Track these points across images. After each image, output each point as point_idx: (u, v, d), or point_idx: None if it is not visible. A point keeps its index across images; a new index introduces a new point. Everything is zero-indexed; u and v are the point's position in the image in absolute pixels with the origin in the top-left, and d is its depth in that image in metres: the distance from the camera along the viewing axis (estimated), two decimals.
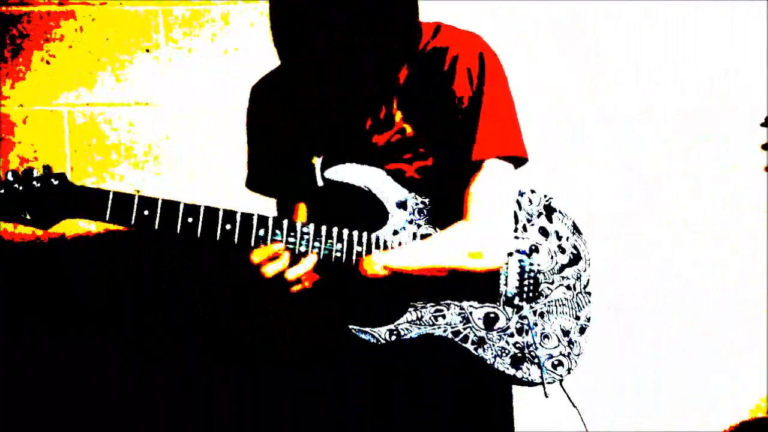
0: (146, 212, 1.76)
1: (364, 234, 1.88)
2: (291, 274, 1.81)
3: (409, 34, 1.85)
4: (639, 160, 2.86)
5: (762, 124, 2.47)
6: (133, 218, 1.75)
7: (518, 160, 1.94)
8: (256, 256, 1.81)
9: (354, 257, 1.87)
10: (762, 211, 2.87)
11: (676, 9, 2.81)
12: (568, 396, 2.03)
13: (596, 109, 2.82)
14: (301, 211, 2.07)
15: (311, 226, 1.85)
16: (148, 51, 2.67)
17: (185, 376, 2.63)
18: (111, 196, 1.74)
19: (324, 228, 1.85)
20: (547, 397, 1.94)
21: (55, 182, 1.72)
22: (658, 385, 2.89)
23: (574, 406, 2.04)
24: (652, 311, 2.89)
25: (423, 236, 1.92)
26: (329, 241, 1.85)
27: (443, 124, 1.89)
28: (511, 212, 1.95)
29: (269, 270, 1.81)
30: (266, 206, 2.09)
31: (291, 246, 1.83)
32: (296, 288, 1.84)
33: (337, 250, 1.86)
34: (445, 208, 1.93)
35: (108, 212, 1.73)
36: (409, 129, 1.91)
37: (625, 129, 2.85)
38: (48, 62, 2.64)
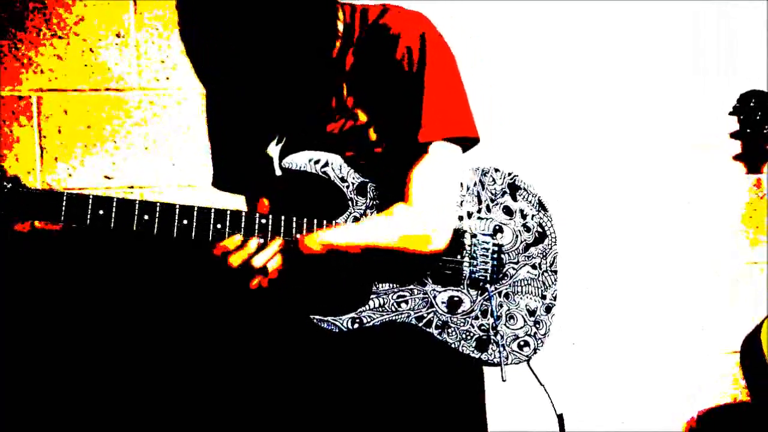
0: (101, 212, 1.76)
1: (324, 222, 1.88)
2: (258, 261, 1.81)
3: (330, 18, 1.81)
4: (612, 148, 2.85)
5: (730, 113, 2.44)
6: (88, 219, 1.75)
7: (469, 141, 1.92)
8: (219, 249, 1.81)
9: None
10: (733, 200, 2.86)
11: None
12: (536, 375, 2.03)
13: (574, 103, 2.82)
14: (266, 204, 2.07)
15: (270, 217, 1.85)
16: (118, 36, 2.65)
17: (184, 375, 2.62)
18: (65, 198, 1.74)
19: (283, 218, 1.85)
20: (504, 381, 1.94)
21: (8, 185, 1.73)
22: (628, 367, 2.90)
23: (542, 385, 2.04)
24: (622, 293, 2.90)
25: None
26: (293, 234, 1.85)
27: (391, 107, 1.87)
28: (453, 195, 1.93)
29: (235, 259, 1.81)
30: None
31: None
32: (255, 282, 1.83)
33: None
34: (396, 191, 1.92)
35: (63, 214, 1.74)
36: (361, 115, 1.89)
37: (598, 118, 2.83)
38: (17, 47, 2.62)
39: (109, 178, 2.62)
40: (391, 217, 1.87)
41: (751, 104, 2.37)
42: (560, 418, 2.06)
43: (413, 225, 1.86)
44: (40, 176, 2.61)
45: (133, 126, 2.64)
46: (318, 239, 1.83)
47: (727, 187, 2.85)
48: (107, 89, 2.64)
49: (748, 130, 2.39)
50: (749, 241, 2.87)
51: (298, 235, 1.84)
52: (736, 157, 2.52)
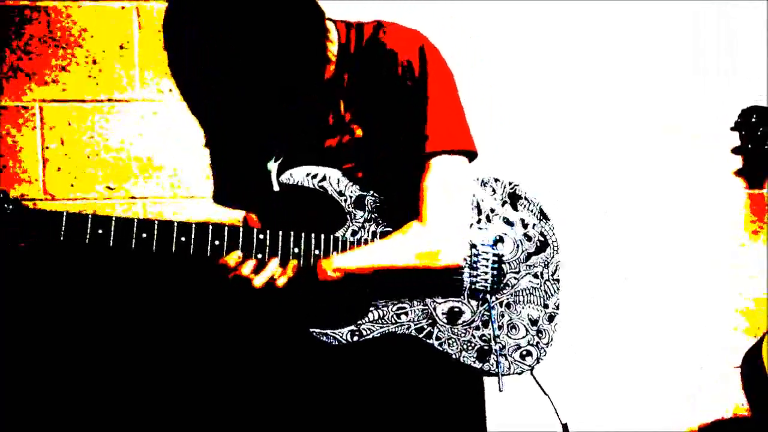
0: (100, 231, 1.77)
1: (322, 236, 1.88)
2: (258, 281, 1.83)
3: (317, 44, 1.79)
4: (612, 149, 2.83)
5: (732, 129, 2.41)
6: (87, 238, 1.76)
7: (468, 154, 1.90)
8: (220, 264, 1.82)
9: (312, 260, 1.87)
10: (734, 211, 2.84)
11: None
12: (539, 385, 2.03)
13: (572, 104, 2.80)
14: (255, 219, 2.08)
15: (267, 233, 1.85)
16: (122, 47, 2.65)
17: (183, 387, 2.63)
18: (65, 218, 1.75)
19: (280, 233, 1.85)
20: (501, 391, 1.93)
21: (10, 207, 1.74)
22: (631, 376, 2.88)
23: (546, 395, 2.04)
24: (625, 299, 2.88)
25: (383, 234, 1.91)
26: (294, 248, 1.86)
27: (391, 121, 1.86)
28: (466, 208, 1.92)
29: (235, 276, 1.82)
30: None
31: (248, 253, 1.84)
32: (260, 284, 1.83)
33: (294, 254, 1.86)
34: (399, 204, 1.91)
35: (62, 233, 1.75)
36: (358, 130, 1.89)
37: (599, 119, 2.81)
38: (20, 58, 2.63)
39: (111, 189, 2.62)
40: (405, 236, 1.87)
41: (753, 120, 2.34)
42: (565, 427, 2.06)
43: (429, 242, 1.85)
44: (42, 186, 2.62)
45: (136, 137, 2.64)
46: (334, 265, 1.84)
47: (727, 194, 2.83)
48: (110, 100, 2.64)
49: (750, 146, 2.37)
50: (749, 248, 2.84)
51: (317, 258, 1.85)
52: (738, 173, 2.50)
